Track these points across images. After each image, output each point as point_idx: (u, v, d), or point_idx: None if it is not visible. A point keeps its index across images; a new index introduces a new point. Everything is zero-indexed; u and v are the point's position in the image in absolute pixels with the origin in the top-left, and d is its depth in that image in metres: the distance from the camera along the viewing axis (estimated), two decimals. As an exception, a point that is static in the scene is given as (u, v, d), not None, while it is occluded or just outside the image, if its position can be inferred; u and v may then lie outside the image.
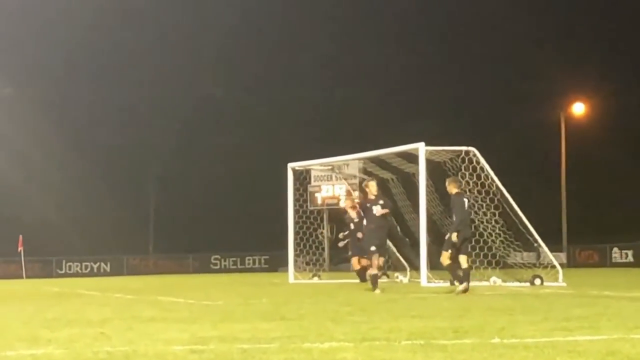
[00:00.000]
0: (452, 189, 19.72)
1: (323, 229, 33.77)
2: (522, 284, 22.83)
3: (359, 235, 23.81)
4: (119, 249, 55.99)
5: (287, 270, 31.23)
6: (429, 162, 24.20)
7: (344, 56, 66.30)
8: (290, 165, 30.75)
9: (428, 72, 65.15)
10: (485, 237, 23.68)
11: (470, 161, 23.84)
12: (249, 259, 54.37)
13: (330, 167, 33.65)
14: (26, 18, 59.54)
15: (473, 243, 21.81)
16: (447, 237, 19.49)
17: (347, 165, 35.24)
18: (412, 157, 25.22)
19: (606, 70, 61.39)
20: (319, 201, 44.86)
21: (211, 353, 8.59)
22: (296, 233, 30.66)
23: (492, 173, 23.72)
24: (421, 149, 24.10)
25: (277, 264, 47.61)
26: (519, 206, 23.69)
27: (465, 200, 19.75)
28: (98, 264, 52.01)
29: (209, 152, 64.27)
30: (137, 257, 54.80)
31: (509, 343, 9.05)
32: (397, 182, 27.70)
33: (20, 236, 44.22)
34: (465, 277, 19.33)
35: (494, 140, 52.18)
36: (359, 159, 31.02)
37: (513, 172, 38.92)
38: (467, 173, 23.73)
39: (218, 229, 61.22)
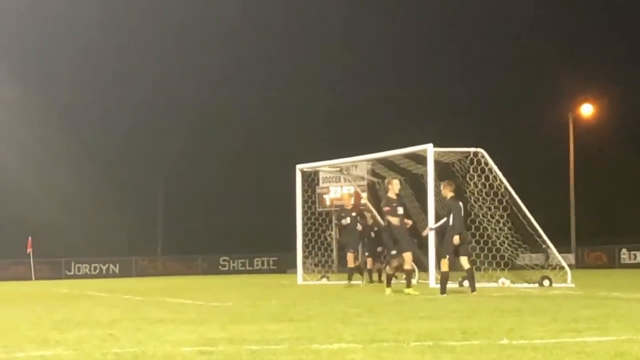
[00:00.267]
0: (447, 192, 19.66)
1: (331, 230, 33.66)
2: (531, 285, 22.82)
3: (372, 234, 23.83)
4: (127, 250, 56.18)
5: (295, 272, 31.27)
6: (437, 163, 24.15)
7: (353, 58, 66.31)
8: (299, 166, 30.74)
9: (437, 74, 65.23)
10: (493, 239, 23.69)
11: (479, 162, 23.82)
12: (257, 261, 54.33)
13: (338, 169, 33.60)
14: (37, 21, 59.68)
15: (482, 244, 21.79)
16: (443, 242, 19.49)
17: (356, 166, 35.17)
18: (420, 159, 25.18)
19: (614, 72, 61.27)
20: (328, 203, 44.83)
21: (220, 354, 8.60)
22: (304, 234, 30.63)
23: (500, 174, 23.69)
24: (429, 150, 24.05)
25: (285, 266, 47.58)
26: (527, 207, 23.65)
27: (461, 204, 19.74)
28: (107, 265, 52.05)
29: (217, 153, 64.29)
30: (146, 258, 54.82)
31: (518, 344, 9.05)
32: (405, 184, 27.65)
33: (30, 238, 44.27)
34: (469, 278, 19.36)
35: (502, 141, 52.08)
36: (368, 161, 30.96)
37: (521, 173, 38.88)
38: (475, 174, 23.73)
39: (226, 230, 61.25)
